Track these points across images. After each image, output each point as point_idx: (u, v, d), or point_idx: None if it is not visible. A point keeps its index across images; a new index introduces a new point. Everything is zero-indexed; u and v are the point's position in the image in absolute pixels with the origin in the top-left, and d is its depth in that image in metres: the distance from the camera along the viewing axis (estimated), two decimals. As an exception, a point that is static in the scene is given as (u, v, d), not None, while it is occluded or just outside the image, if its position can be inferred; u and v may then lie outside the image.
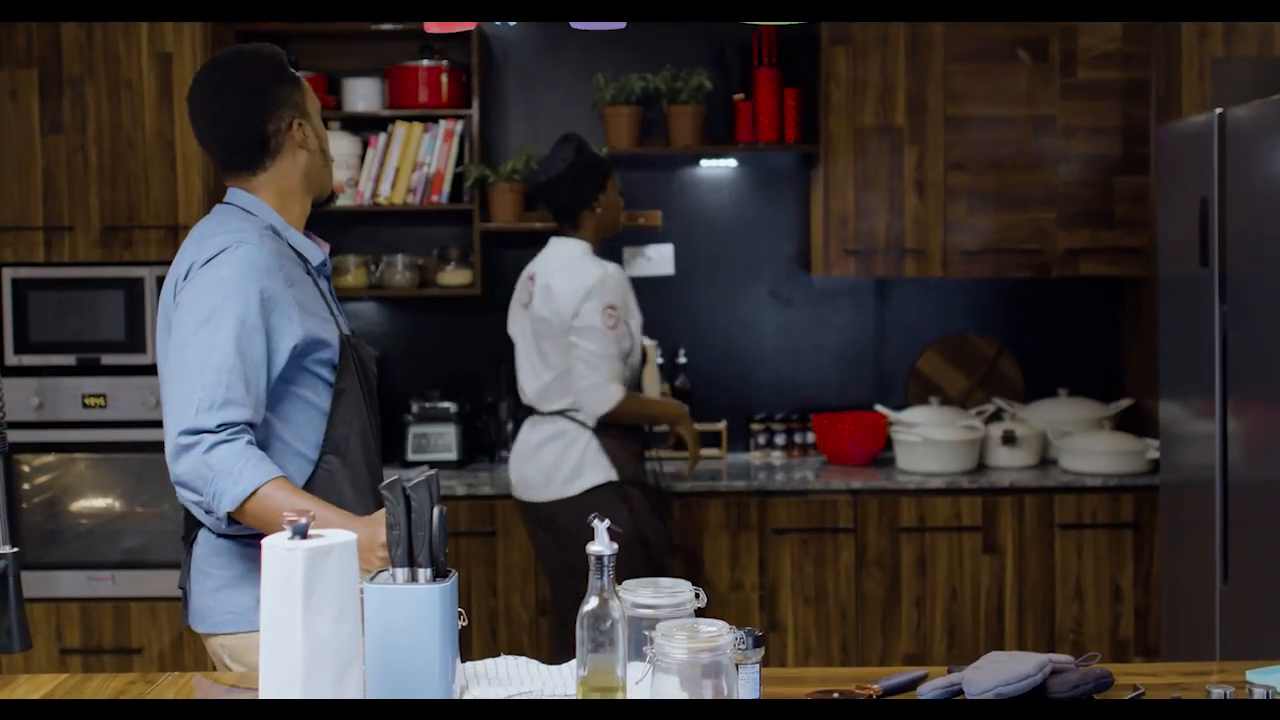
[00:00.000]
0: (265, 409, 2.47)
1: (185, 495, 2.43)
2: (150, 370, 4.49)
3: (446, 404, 4.87)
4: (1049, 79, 4.70)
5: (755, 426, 5.05)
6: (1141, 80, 4.68)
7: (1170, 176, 4.11)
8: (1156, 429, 4.58)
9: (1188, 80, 4.45)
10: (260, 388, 2.44)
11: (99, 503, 4.57)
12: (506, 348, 5.03)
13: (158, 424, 4.39)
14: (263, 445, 2.48)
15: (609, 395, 4.05)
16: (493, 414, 4.97)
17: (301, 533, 1.71)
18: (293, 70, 2.67)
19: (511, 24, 4.82)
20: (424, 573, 1.91)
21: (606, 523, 1.83)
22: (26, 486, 4.54)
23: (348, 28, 4.80)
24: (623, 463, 4.11)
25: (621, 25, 2.35)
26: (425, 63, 4.82)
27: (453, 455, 4.83)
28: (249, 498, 2.34)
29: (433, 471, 1.96)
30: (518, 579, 4.53)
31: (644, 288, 5.09)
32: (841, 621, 4.55)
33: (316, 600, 1.68)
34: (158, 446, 4.45)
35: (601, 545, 1.83)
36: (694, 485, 4.50)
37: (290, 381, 2.52)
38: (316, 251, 2.66)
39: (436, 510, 1.91)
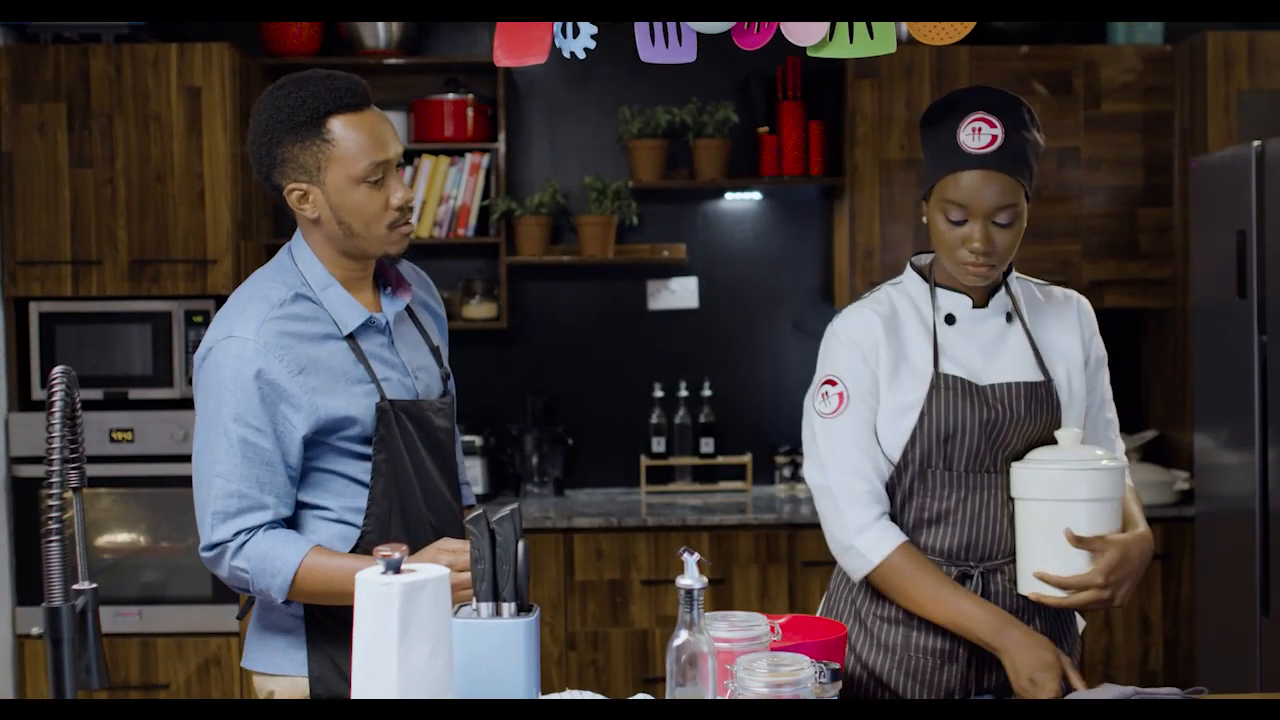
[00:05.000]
0: (298, 489, 2.38)
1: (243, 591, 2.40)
2: (178, 405, 4.48)
3: (472, 437, 4.85)
4: (1073, 111, 4.72)
5: (779, 459, 5.04)
6: (1164, 112, 4.70)
7: (1203, 208, 4.12)
8: (1183, 460, 4.58)
9: (1213, 112, 4.47)
10: (280, 480, 2.33)
11: (123, 537, 4.54)
12: (530, 381, 5.05)
13: (185, 458, 4.40)
14: (301, 521, 2.41)
15: None
16: (518, 447, 4.95)
17: (395, 568, 1.70)
18: (330, 121, 2.31)
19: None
20: (508, 607, 1.90)
21: (696, 556, 1.82)
22: (52, 521, 4.51)
23: (372, 61, 4.80)
24: None
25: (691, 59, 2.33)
26: (451, 96, 4.82)
27: (479, 488, 4.81)
28: (293, 583, 2.29)
29: (515, 505, 1.95)
30: (547, 613, 4.50)
31: (668, 321, 5.11)
32: (871, 654, 4.52)
33: (412, 635, 1.66)
34: (184, 481, 4.46)
35: (691, 579, 1.82)
36: (722, 519, 4.48)
37: (318, 459, 2.38)
38: (357, 313, 2.40)
39: (520, 544, 1.90)
